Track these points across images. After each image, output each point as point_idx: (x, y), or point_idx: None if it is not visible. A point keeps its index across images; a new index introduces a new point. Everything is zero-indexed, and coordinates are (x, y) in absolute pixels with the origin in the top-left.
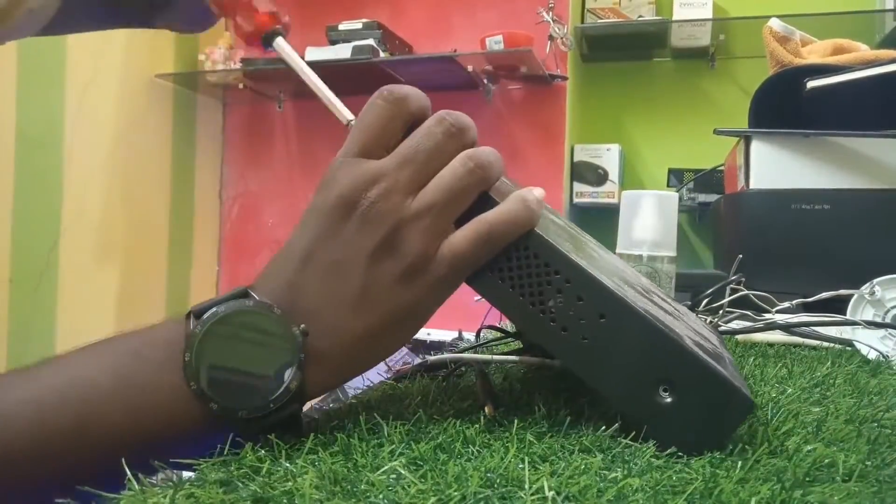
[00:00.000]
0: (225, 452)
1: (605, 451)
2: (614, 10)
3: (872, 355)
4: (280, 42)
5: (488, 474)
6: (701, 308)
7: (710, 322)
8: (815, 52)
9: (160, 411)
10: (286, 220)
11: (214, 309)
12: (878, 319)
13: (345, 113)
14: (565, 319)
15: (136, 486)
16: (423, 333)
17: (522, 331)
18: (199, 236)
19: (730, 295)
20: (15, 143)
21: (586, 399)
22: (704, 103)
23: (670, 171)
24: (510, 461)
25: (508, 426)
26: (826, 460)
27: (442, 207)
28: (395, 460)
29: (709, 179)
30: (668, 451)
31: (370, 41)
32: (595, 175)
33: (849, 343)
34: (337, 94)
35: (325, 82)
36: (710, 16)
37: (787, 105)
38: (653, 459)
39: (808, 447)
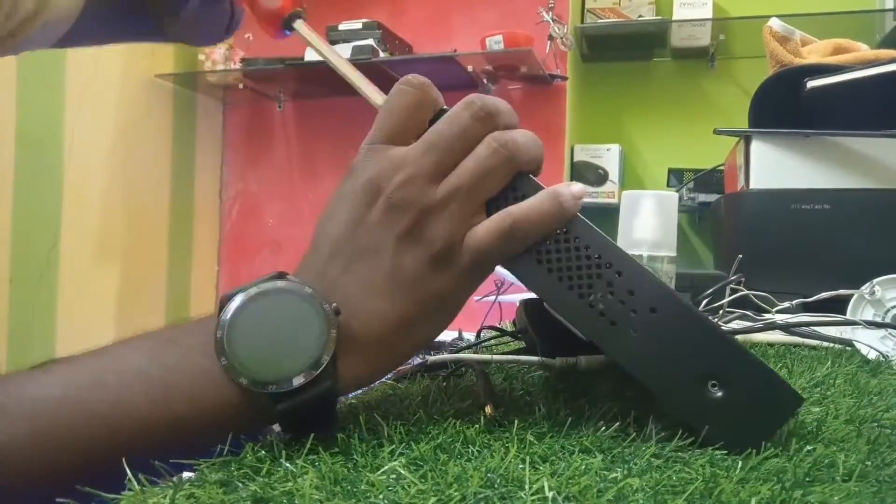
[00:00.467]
0: (225, 453)
1: (605, 451)
2: (614, 9)
3: (872, 355)
4: (300, 24)
5: (488, 474)
6: (701, 308)
7: None
8: (815, 51)
9: (188, 394)
10: (286, 219)
11: (247, 288)
12: (878, 319)
13: (375, 97)
14: (615, 313)
15: (137, 486)
16: None
17: (568, 322)
18: (199, 236)
19: (730, 295)
20: (15, 143)
21: (587, 399)
22: (704, 103)
23: (670, 171)
24: (510, 461)
25: (508, 426)
26: (826, 460)
27: (467, 192)
28: (396, 460)
29: (709, 179)
30: (717, 445)
31: (370, 41)
32: (595, 175)
33: (849, 343)
34: (336, 95)
35: (324, 82)
36: (710, 16)
37: (787, 105)
38: (653, 459)
39: (809, 447)
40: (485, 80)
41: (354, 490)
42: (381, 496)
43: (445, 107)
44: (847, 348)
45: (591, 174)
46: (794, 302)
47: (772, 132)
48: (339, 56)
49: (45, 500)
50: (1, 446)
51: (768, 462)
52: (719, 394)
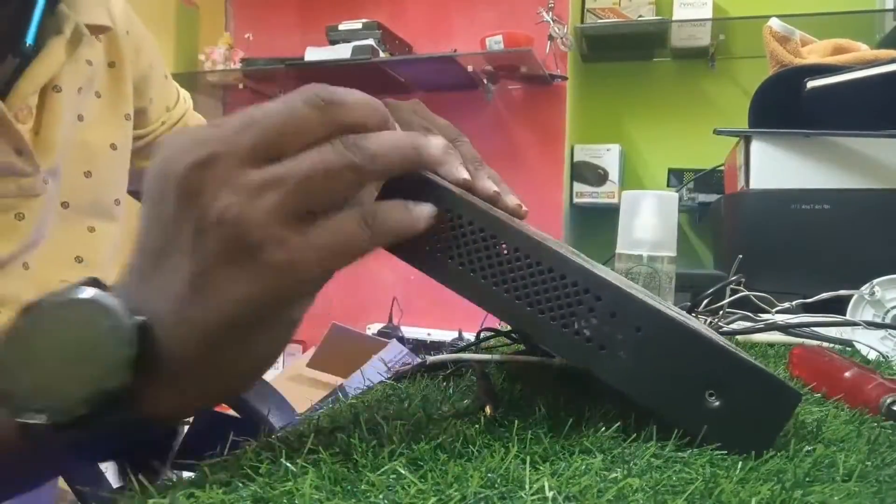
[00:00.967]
0: (226, 452)
1: (605, 451)
2: (614, 10)
3: (872, 356)
4: None
5: (489, 474)
6: (701, 309)
7: (710, 323)
8: (815, 51)
9: None
10: None
11: (46, 298)
12: (878, 320)
13: None
14: (601, 337)
15: (136, 486)
16: (423, 334)
17: (559, 355)
18: None
19: (730, 295)
20: None
21: (587, 399)
22: (704, 103)
23: (670, 172)
24: (510, 461)
25: (509, 426)
26: (826, 460)
27: (294, 186)
28: (395, 460)
29: (709, 179)
30: (724, 453)
31: (370, 41)
32: (595, 175)
33: (849, 343)
34: None
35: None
36: (710, 16)
37: (787, 105)
38: (652, 460)
39: (809, 447)
40: (484, 80)
41: (354, 490)
42: (381, 496)
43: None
44: (847, 349)
45: (591, 174)
46: (794, 302)
47: (772, 132)
48: None
49: None
50: None
51: (768, 462)
52: (717, 403)
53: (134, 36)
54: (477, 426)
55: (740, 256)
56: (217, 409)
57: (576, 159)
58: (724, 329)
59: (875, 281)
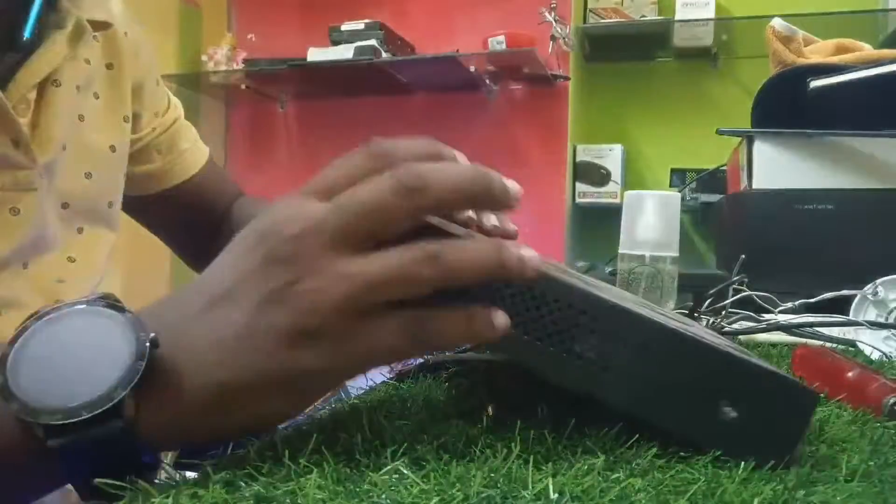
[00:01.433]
0: (228, 452)
1: (607, 451)
2: (616, 10)
3: (875, 356)
4: None
5: (491, 475)
6: (703, 309)
7: (713, 323)
8: (818, 51)
9: None
10: None
11: (64, 307)
12: (881, 320)
13: None
14: (605, 357)
15: (139, 485)
16: None
17: (560, 384)
18: None
19: (733, 295)
20: None
21: (590, 400)
22: (707, 103)
23: (673, 172)
24: (513, 462)
25: (511, 426)
26: (829, 460)
27: (367, 287)
28: (398, 460)
29: (711, 179)
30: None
31: (372, 42)
32: (597, 175)
33: (852, 343)
34: (339, 95)
35: (327, 83)
36: (712, 16)
37: (790, 105)
38: (655, 460)
39: (811, 447)
40: (487, 81)
41: (357, 490)
42: (383, 496)
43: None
44: (850, 349)
45: (593, 174)
46: (796, 302)
47: (775, 132)
48: None
49: None
50: None
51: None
52: (734, 414)
53: (132, 38)
54: (479, 426)
55: (743, 256)
56: None
57: (578, 159)
58: (727, 329)
59: (878, 281)
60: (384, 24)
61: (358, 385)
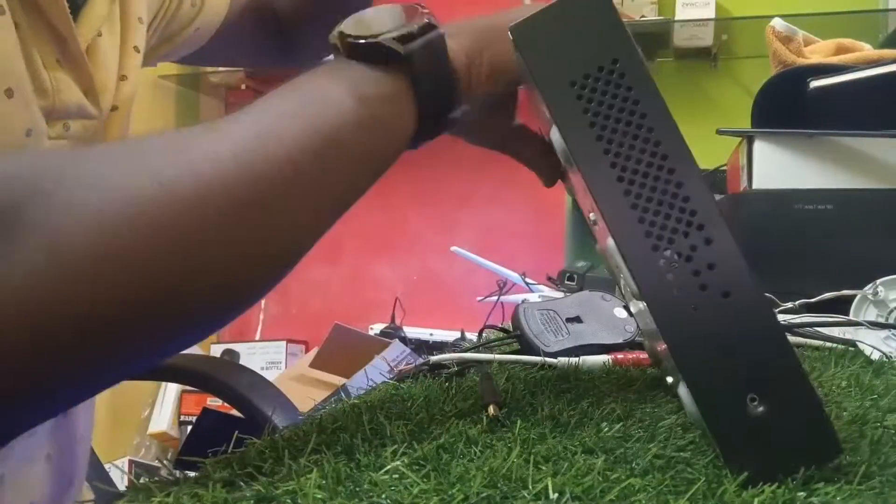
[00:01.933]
0: (229, 451)
1: (607, 451)
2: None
3: (875, 356)
4: None
5: (491, 475)
6: None
7: None
8: (818, 51)
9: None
10: None
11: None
12: (882, 320)
13: None
14: (684, 280)
15: (140, 485)
16: (426, 334)
17: (628, 268)
18: None
19: None
20: None
21: (589, 400)
22: (707, 103)
23: None
24: (513, 461)
25: (511, 427)
26: None
27: None
28: (398, 460)
29: (711, 179)
30: (733, 466)
31: None
32: None
33: (852, 344)
34: None
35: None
36: (712, 16)
37: (790, 105)
38: (655, 460)
39: None
40: None
41: (357, 489)
42: (383, 496)
43: None
44: (850, 349)
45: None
46: (796, 302)
47: (775, 132)
48: None
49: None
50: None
51: None
52: (760, 409)
53: None
54: (479, 426)
55: None
56: (221, 409)
57: None
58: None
59: (878, 281)
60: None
61: (358, 385)
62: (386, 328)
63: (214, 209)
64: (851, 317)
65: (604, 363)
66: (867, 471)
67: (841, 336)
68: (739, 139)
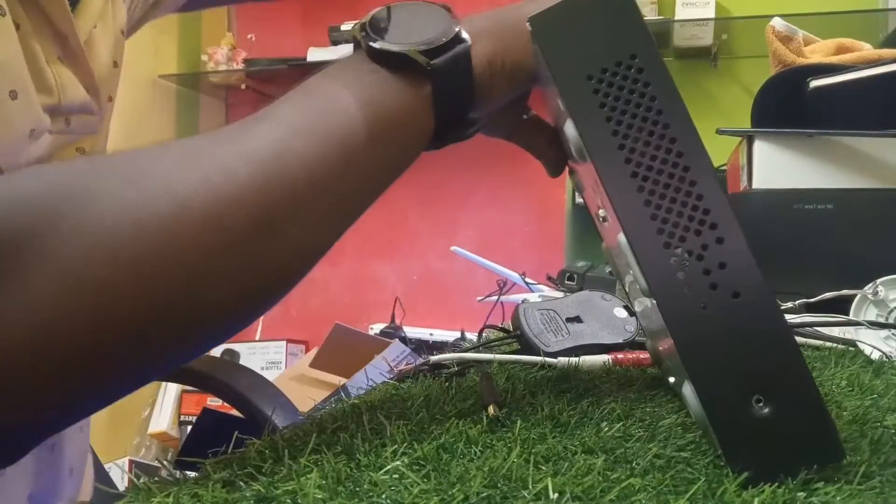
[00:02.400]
0: (229, 451)
1: (608, 451)
2: None
3: (875, 356)
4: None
5: (491, 475)
6: None
7: None
8: (818, 51)
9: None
10: None
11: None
12: (882, 320)
13: None
14: (694, 279)
15: (140, 484)
16: (426, 334)
17: (639, 265)
18: None
19: None
20: None
21: (589, 400)
22: (707, 103)
23: None
24: (513, 461)
25: (511, 426)
26: None
27: None
28: (398, 460)
29: None
30: (732, 465)
31: None
32: None
33: (852, 343)
34: None
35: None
36: (712, 15)
37: (790, 104)
38: (655, 460)
39: None
40: None
41: (357, 490)
42: (384, 496)
43: None
44: (850, 349)
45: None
46: (796, 302)
47: (775, 132)
48: None
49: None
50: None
51: None
52: (765, 410)
53: None
54: (479, 426)
55: None
56: (221, 409)
57: None
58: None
59: (878, 281)
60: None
61: (358, 385)
62: (386, 328)
63: (229, 226)
64: (851, 317)
65: (604, 363)
66: (867, 471)
67: (841, 336)
68: (739, 139)
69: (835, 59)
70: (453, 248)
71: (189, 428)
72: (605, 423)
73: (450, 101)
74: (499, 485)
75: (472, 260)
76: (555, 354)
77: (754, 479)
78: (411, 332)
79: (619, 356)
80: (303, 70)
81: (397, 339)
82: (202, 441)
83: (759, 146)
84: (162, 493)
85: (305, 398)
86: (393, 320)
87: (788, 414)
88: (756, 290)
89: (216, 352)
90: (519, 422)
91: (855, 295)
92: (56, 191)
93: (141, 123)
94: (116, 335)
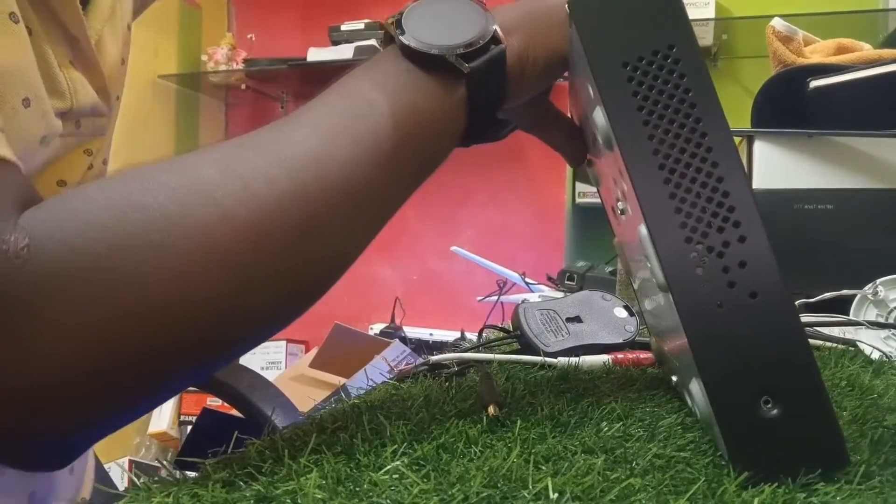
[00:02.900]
0: (229, 451)
1: (607, 451)
2: None
3: (875, 356)
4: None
5: (491, 474)
6: None
7: None
8: (818, 51)
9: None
10: None
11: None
12: (881, 320)
13: None
14: (713, 275)
15: (140, 484)
16: (426, 334)
17: (658, 258)
18: None
19: None
20: None
21: (589, 400)
22: None
23: None
24: (513, 461)
25: (511, 426)
26: None
27: None
28: (398, 460)
29: None
30: (737, 466)
31: (372, 42)
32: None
33: (852, 343)
34: None
35: (327, 83)
36: (712, 15)
37: (790, 105)
38: (655, 460)
39: None
40: None
41: (357, 490)
42: (383, 496)
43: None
44: (850, 349)
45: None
46: (796, 302)
47: (775, 132)
48: None
49: None
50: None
51: None
52: (773, 412)
53: None
54: (479, 426)
55: None
56: (221, 409)
57: None
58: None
59: (878, 281)
60: (384, 25)
61: (358, 385)
62: (386, 328)
63: (272, 235)
64: (851, 317)
65: (604, 363)
66: (867, 471)
67: (841, 336)
68: (739, 139)
69: (835, 59)
70: (453, 248)
71: (189, 428)
72: (605, 423)
73: (484, 102)
74: (499, 485)
75: (472, 260)
76: (555, 354)
77: (756, 479)
78: (411, 332)
79: (619, 356)
80: (303, 70)
81: (397, 339)
82: (202, 441)
83: (759, 146)
84: (162, 493)
85: (305, 398)
86: (393, 320)
87: (796, 417)
88: (774, 291)
89: None
90: (519, 422)
91: (855, 295)
92: (109, 211)
93: (141, 123)
94: (166, 345)
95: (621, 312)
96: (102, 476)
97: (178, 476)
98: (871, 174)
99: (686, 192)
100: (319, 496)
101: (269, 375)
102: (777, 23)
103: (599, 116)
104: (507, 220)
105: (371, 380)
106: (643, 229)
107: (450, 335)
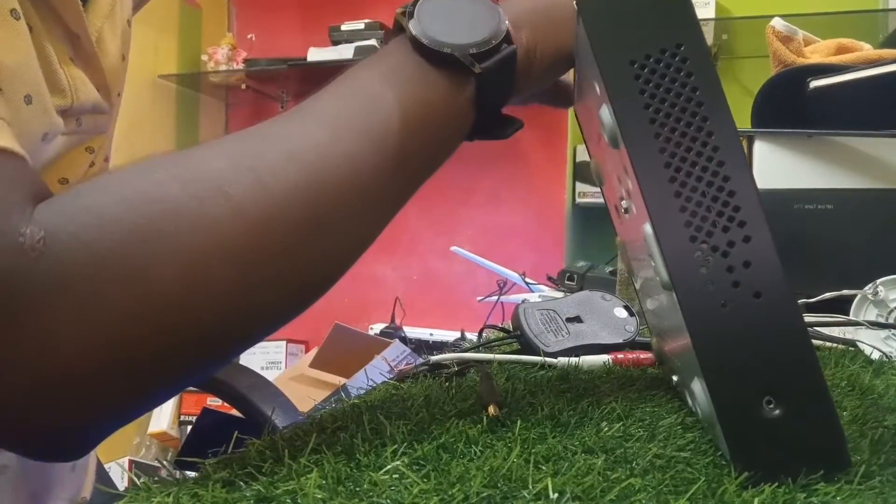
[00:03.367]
0: (229, 451)
1: (607, 451)
2: None
3: (875, 356)
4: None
5: (491, 474)
6: None
7: None
8: (818, 51)
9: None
10: None
11: None
12: (882, 320)
13: None
14: (716, 274)
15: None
16: (426, 334)
17: (662, 255)
18: None
19: None
20: None
21: (589, 399)
22: None
23: None
24: (513, 461)
25: (511, 426)
26: None
27: None
28: (398, 460)
29: None
30: (738, 465)
31: (372, 42)
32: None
33: (852, 343)
34: None
35: (327, 83)
36: (712, 15)
37: (790, 105)
38: (655, 460)
39: None
40: None
41: (357, 489)
42: (384, 496)
43: None
44: (850, 349)
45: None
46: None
47: (775, 132)
48: None
49: None
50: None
51: None
52: (776, 412)
53: None
54: (479, 426)
55: None
56: (221, 409)
57: (578, 159)
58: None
59: (878, 281)
60: (384, 24)
61: (358, 385)
62: (386, 328)
63: (281, 228)
64: (851, 317)
65: (604, 363)
66: (867, 471)
67: (841, 336)
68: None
69: (835, 59)
70: (453, 248)
71: (189, 428)
72: (605, 423)
73: (492, 100)
74: (499, 485)
75: (472, 260)
76: (555, 354)
77: (756, 479)
78: (411, 332)
79: (619, 356)
80: (303, 70)
81: (397, 339)
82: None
83: (759, 146)
84: (162, 493)
85: (305, 398)
86: (393, 320)
87: (799, 418)
88: (778, 291)
89: None
90: (519, 422)
91: (855, 295)
92: (121, 203)
93: (141, 123)
94: (176, 339)
95: (621, 312)
96: (102, 476)
97: (178, 476)
98: (871, 174)
99: (691, 190)
100: (319, 496)
101: (269, 375)
102: (777, 23)
103: (606, 114)
104: (507, 219)
105: (371, 380)
106: (648, 227)
107: (450, 335)
